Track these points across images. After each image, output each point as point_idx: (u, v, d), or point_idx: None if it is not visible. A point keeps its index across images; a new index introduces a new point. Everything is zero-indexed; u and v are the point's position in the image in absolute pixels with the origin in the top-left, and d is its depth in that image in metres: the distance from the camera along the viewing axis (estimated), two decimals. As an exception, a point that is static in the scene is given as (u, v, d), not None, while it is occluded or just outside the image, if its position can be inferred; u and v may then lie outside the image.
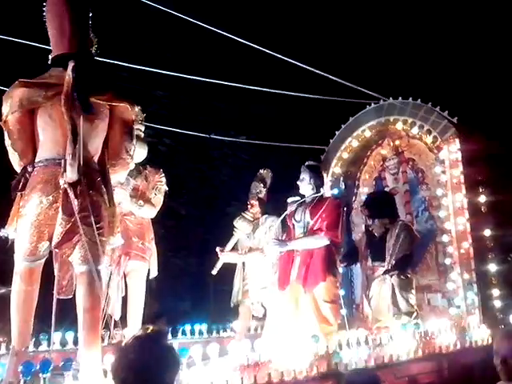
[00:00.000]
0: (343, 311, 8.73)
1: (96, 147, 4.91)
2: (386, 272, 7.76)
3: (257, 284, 8.23)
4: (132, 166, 5.36)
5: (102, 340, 5.81)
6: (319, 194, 7.00)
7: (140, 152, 6.26)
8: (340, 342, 5.55)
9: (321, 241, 6.70)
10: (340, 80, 8.16)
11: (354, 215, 10.03)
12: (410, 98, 9.47)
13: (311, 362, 5.04)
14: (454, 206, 8.81)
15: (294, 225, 7.10)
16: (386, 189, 10.11)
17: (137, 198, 7.15)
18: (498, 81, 12.88)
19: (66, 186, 4.55)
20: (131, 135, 5.10)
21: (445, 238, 8.95)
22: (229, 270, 8.54)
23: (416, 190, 9.85)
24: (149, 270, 7.37)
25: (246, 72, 10.67)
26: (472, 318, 8.20)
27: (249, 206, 8.52)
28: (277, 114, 13.95)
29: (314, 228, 6.79)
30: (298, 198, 7.21)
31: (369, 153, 10.53)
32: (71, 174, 4.56)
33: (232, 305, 8.44)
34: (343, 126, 10.38)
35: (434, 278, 9.37)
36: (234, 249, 8.53)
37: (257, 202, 8.44)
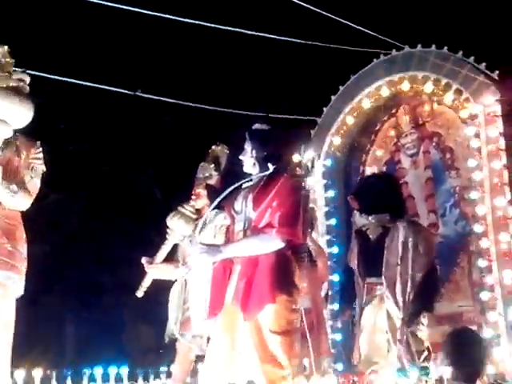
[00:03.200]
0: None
1: None
2: (405, 320, 7.17)
3: (202, 310, 7.21)
4: None
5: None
6: (267, 173, 5.87)
7: (22, 113, 5.63)
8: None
9: (271, 243, 5.64)
10: (338, 18, 7.96)
11: (358, 214, 8.92)
12: (433, 46, 8.77)
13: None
14: (491, 184, 8.10)
15: (234, 218, 6.14)
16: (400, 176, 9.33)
17: (8, 181, 6.31)
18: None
19: None
20: None
21: (483, 243, 8.12)
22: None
23: (442, 177, 9.19)
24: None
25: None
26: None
27: (193, 197, 7.68)
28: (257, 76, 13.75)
29: (261, 224, 5.77)
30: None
31: (378, 126, 9.84)
32: None
33: (166, 340, 7.66)
34: (341, 89, 9.65)
35: (467, 304, 8.64)
36: (171, 260, 7.72)
37: (205, 192, 7.55)
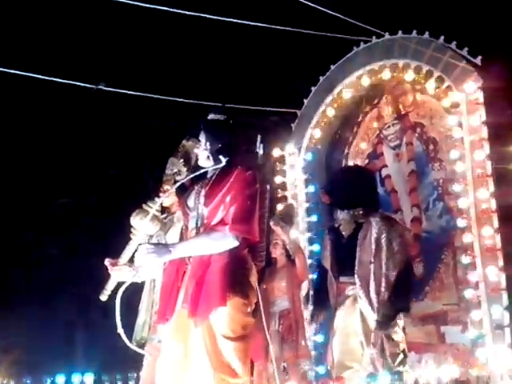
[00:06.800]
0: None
1: None
2: (379, 322, 6.76)
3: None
4: None
5: None
6: (219, 166, 5.48)
7: None
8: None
9: (223, 241, 5.31)
10: (316, 6, 7.95)
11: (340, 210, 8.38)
12: (414, 32, 8.64)
13: None
14: (473, 176, 7.77)
15: (187, 215, 5.75)
16: (383, 170, 9.23)
17: None
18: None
19: None
20: None
21: (466, 238, 7.79)
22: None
23: (426, 170, 8.99)
24: None
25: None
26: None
27: (161, 194, 7.15)
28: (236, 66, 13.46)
29: (214, 221, 5.40)
30: None
31: (360, 118, 9.69)
32: None
33: (134, 344, 6.74)
34: (321, 79, 9.49)
35: (452, 302, 8.40)
36: None
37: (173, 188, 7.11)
